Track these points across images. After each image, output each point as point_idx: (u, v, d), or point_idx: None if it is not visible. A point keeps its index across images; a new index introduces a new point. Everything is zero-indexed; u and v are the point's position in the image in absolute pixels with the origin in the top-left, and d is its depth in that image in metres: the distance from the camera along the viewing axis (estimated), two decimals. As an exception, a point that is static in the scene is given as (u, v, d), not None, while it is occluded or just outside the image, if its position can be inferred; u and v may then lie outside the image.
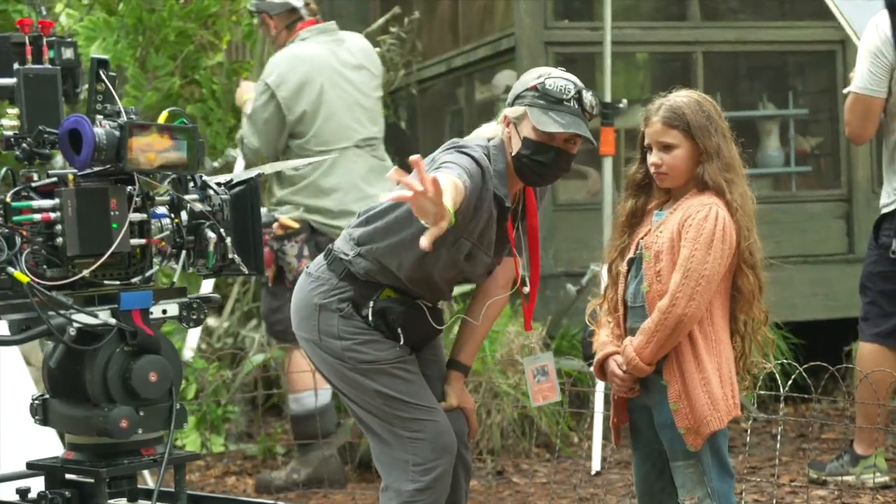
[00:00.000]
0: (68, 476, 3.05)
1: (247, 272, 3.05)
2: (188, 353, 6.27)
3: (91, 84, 2.92)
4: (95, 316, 2.86)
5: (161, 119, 2.95)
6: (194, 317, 3.00)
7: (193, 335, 6.32)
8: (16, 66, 2.93)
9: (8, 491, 3.19)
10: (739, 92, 7.51)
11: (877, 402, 4.80)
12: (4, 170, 2.86)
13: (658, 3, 7.57)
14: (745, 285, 3.39)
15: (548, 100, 3.44)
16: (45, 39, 2.98)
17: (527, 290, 3.68)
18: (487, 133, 3.58)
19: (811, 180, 7.34)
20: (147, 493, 3.12)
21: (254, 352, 6.62)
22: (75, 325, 2.84)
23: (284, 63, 5.50)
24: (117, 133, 2.80)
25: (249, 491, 5.69)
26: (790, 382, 4.55)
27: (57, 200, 2.83)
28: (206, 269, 3.02)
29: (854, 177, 7.06)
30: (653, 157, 3.43)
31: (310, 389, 5.42)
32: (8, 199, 2.80)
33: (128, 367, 2.89)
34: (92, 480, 2.95)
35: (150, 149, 2.85)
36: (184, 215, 3.00)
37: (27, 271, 2.77)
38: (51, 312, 2.81)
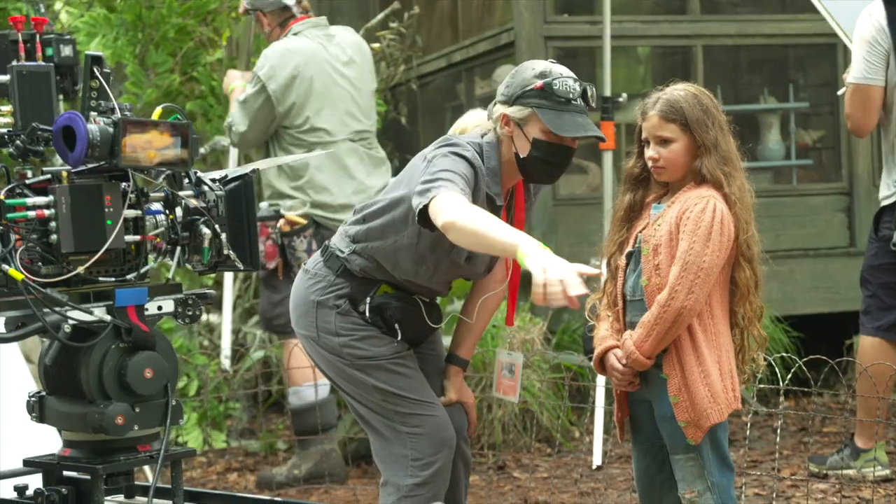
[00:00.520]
0: (65, 473, 3.05)
1: (242, 268, 3.05)
2: (225, 363, 6.27)
3: (85, 81, 2.92)
4: (90, 313, 2.86)
5: (155, 115, 2.95)
6: (189, 313, 3.00)
7: (226, 341, 6.35)
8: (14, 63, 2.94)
9: (6, 488, 3.20)
10: (740, 85, 7.50)
11: (877, 395, 4.79)
12: (-1, 167, 2.87)
13: (658, -3, 7.57)
14: (741, 279, 3.39)
15: (556, 101, 3.41)
16: (39, 37, 2.99)
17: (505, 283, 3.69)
18: (473, 122, 3.56)
19: (812, 173, 7.33)
20: (144, 490, 3.12)
21: (255, 348, 6.62)
22: (70, 321, 2.84)
23: (276, 56, 5.52)
24: (111, 130, 2.80)
25: (251, 487, 5.69)
26: (790, 376, 4.54)
27: (51, 197, 2.84)
28: (201, 265, 3.03)
29: (855, 170, 7.05)
30: (650, 152, 3.42)
31: (309, 381, 5.43)
32: (2, 197, 2.80)
33: (123, 364, 2.89)
34: (89, 477, 2.95)
35: (150, 146, 2.85)
36: (178, 211, 3.00)
37: (22, 268, 2.77)
38: (46, 309, 2.81)
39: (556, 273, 2.90)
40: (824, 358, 4.57)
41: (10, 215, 2.79)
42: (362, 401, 3.58)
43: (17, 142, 2.84)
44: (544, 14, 6.78)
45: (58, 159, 3.01)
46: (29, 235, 2.81)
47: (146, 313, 2.94)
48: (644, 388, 3.46)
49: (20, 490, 3.11)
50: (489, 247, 3.13)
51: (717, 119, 3.40)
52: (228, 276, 6.49)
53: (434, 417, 3.55)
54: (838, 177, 7.13)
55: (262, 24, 5.71)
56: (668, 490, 3.49)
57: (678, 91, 3.42)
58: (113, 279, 2.94)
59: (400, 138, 8.02)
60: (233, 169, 3.10)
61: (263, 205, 5.48)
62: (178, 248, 3.00)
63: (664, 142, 3.40)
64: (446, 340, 3.86)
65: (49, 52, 3.02)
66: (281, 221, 5.44)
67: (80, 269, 2.85)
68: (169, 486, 3.08)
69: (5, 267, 2.76)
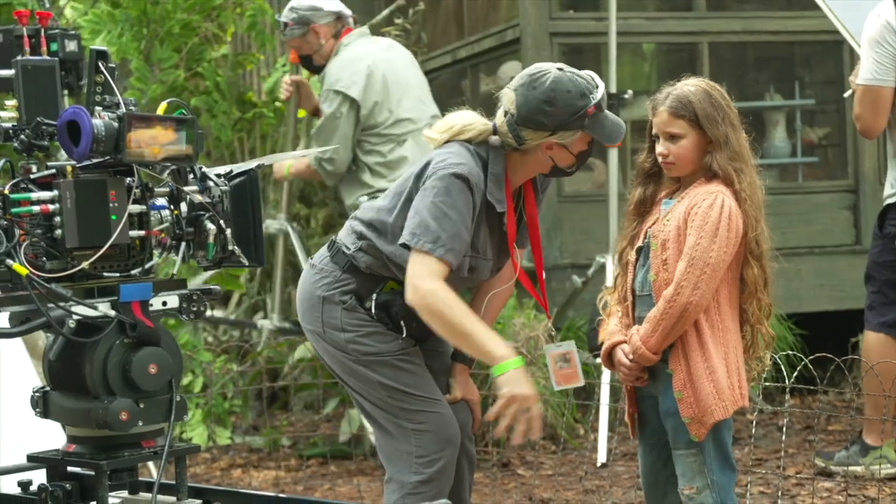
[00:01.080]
0: (69, 469, 3.04)
1: (247, 264, 3.04)
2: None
3: (90, 75, 2.91)
4: (95, 308, 2.85)
5: (160, 110, 2.94)
6: (194, 309, 2.99)
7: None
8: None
9: (9, 483, 3.19)
10: (746, 82, 7.48)
11: (882, 392, 4.78)
12: (3, 161, 2.85)
13: (664, -6, 7.55)
14: (749, 276, 3.38)
15: (600, 112, 3.39)
16: (44, 31, 2.97)
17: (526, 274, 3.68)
18: (472, 129, 3.48)
19: (818, 171, 7.32)
20: (148, 486, 3.11)
21: (262, 345, 6.61)
22: (75, 317, 2.83)
23: (345, 67, 5.57)
24: (116, 124, 2.79)
25: (255, 484, 5.69)
26: (796, 374, 4.53)
27: (56, 192, 2.82)
28: (206, 260, 3.01)
29: (861, 167, 7.04)
30: (660, 147, 3.42)
31: None
32: (6, 191, 2.79)
33: (128, 360, 2.88)
34: (93, 473, 2.94)
35: (155, 141, 2.84)
36: (183, 207, 2.99)
37: (26, 263, 2.76)
38: (50, 305, 2.80)
39: (515, 408, 3.31)
40: (830, 356, 4.55)
41: (14, 210, 2.78)
42: (367, 397, 3.57)
43: (22, 136, 2.83)
44: (550, 10, 6.77)
45: (61, 154, 3.00)
46: (33, 230, 2.80)
47: (151, 309, 2.93)
48: (651, 384, 3.45)
49: (24, 486, 3.09)
50: (468, 348, 3.39)
51: (727, 115, 3.38)
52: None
53: (439, 414, 3.54)
54: (844, 174, 7.12)
55: (317, 38, 5.69)
56: (673, 486, 3.49)
57: (689, 86, 3.41)
58: (117, 274, 2.93)
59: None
60: (237, 165, 3.08)
61: (363, 198, 5.45)
62: (183, 244, 2.99)
63: (673, 137, 3.39)
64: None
65: (54, 47, 3.01)
66: None
67: (85, 265, 2.84)
68: (173, 482, 3.07)
69: (10, 262, 2.74)
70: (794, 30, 7.19)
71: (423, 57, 7.80)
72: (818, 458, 5.16)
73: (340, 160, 5.58)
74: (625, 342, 3.44)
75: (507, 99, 3.44)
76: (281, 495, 3.32)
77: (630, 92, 5.88)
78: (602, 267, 5.92)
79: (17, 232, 2.77)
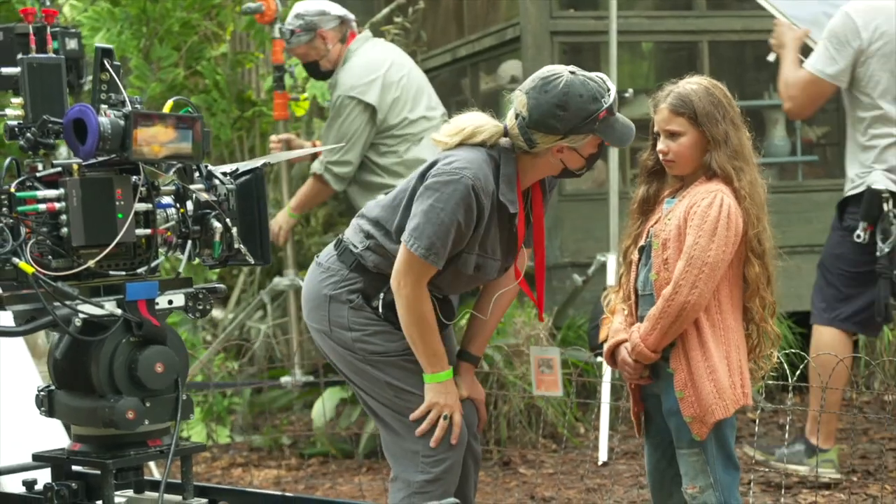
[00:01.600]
0: (74, 468, 3.04)
1: (253, 262, 3.03)
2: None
3: (95, 73, 2.90)
4: (101, 306, 2.84)
5: (166, 108, 2.93)
6: (200, 307, 2.98)
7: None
8: (19, 55, 2.91)
9: (14, 483, 3.18)
10: (745, 81, 7.48)
11: (829, 389, 4.74)
12: (9, 160, 2.84)
13: (663, -8, 7.55)
14: (750, 274, 3.37)
15: (611, 115, 3.39)
16: (49, 29, 2.97)
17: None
18: (482, 131, 3.48)
19: (817, 170, 7.32)
20: (153, 485, 3.10)
21: (258, 343, 6.60)
22: (81, 315, 2.82)
23: (357, 73, 5.60)
24: (122, 122, 2.78)
25: (256, 483, 5.68)
26: (798, 372, 4.52)
27: (62, 190, 2.81)
28: (211, 259, 3.00)
29: (861, 166, 7.01)
30: (660, 145, 3.42)
31: None
32: (13, 190, 2.78)
33: (134, 358, 2.87)
34: (98, 472, 2.94)
35: (155, 140, 2.83)
36: (189, 205, 2.98)
37: (32, 262, 2.75)
38: (56, 303, 2.79)
39: (436, 413, 3.51)
40: (833, 354, 4.55)
41: (20, 208, 2.77)
42: (374, 396, 3.57)
43: (28, 134, 2.82)
44: (550, 9, 6.77)
45: (61, 152, 2.99)
46: (39, 229, 2.79)
47: (157, 307, 2.92)
48: (654, 383, 3.45)
49: (29, 485, 3.08)
50: (415, 350, 3.52)
51: (728, 113, 3.38)
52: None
53: None
54: (843, 173, 7.09)
55: (324, 43, 5.70)
56: (679, 485, 3.49)
57: (690, 84, 3.41)
58: (123, 273, 2.92)
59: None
60: (242, 163, 3.08)
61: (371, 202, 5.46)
62: (189, 242, 2.98)
63: (673, 135, 3.39)
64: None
65: (55, 45, 3.00)
66: None
67: (91, 263, 2.83)
68: (178, 481, 3.07)
69: (16, 260, 2.73)
70: (793, 28, 7.17)
71: (422, 55, 7.80)
72: (758, 451, 5.10)
73: (352, 163, 5.59)
74: (628, 340, 3.44)
75: (519, 102, 3.42)
76: (288, 494, 3.31)
77: (630, 91, 5.89)
78: (602, 266, 5.92)
79: (23, 230, 2.76)
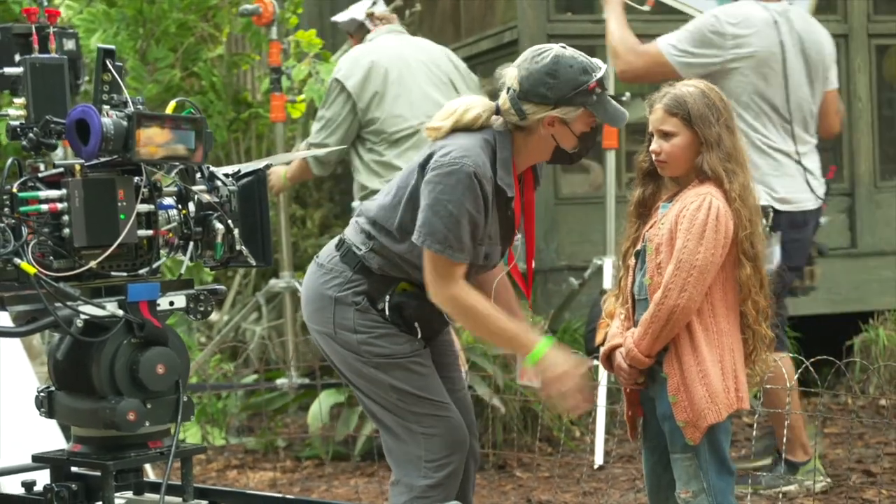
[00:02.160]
0: (74, 469, 3.03)
1: (254, 264, 3.03)
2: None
3: (97, 74, 2.90)
4: (103, 307, 2.84)
5: (169, 109, 2.93)
6: (201, 309, 2.99)
7: None
8: (17, 56, 2.91)
9: (13, 484, 3.17)
10: (742, 85, 7.48)
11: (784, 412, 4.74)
12: (11, 160, 2.84)
13: (661, -4, 7.54)
14: (742, 277, 3.36)
15: (602, 94, 3.39)
16: (51, 28, 2.96)
17: (523, 265, 3.65)
18: (474, 109, 3.45)
19: (813, 174, 7.31)
20: (153, 486, 3.10)
21: (254, 345, 6.59)
22: (82, 316, 2.82)
23: (350, 59, 5.62)
24: (125, 123, 2.78)
25: (251, 485, 5.67)
26: (796, 377, 4.53)
27: (64, 191, 2.81)
28: (213, 260, 3.01)
29: (856, 170, 7.05)
30: (653, 145, 3.42)
31: None
32: (15, 190, 2.78)
33: (135, 360, 2.87)
34: (98, 473, 2.93)
35: (151, 141, 2.83)
36: (191, 206, 2.98)
37: (34, 262, 2.75)
38: (57, 304, 2.79)
39: (556, 392, 3.40)
40: (831, 359, 4.55)
41: (22, 209, 2.77)
42: (377, 399, 3.54)
43: (31, 135, 2.82)
44: (547, 12, 6.77)
45: (59, 154, 2.99)
46: (41, 229, 2.79)
47: (158, 309, 2.92)
48: (650, 387, 3.45)
49: (28, 486, 3.08)
50: (498, 345, 3.53)
51: (723, 116, 3.38)
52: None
53: (449, 419, 3.51)
54: (839, 177, 7.12)
55: (353, 45, 5.81)
56: (675, 489, 3.48)
57: (687, 87, 3.42)
58: (125, 274, 2.92)
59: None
60: (246, 164, 3.08)
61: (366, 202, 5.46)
62: (191, 244, 2.98)
63: (666, 135, 3.39)
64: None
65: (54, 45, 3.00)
66: None
67: (93, 264, 2.83)
68: (177, 483, 3.06)
69: (17, 261, 2.73)
70: (789, 33, 7.18)
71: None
72: (752, 485, 5.04)
73: (330, 147, 5.58)
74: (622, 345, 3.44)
75: (510, 76, 3.42)
76: (288, 497, 3.31)
77: (627, 94, 5.88)
78: (599, 269, 5.92)
79: (25, 231, 2.76)
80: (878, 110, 7.16)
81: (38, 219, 2.79)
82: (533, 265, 3.66)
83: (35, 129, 2.83)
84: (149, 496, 3.08)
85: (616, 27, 5.07)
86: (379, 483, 5.27)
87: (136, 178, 2.90)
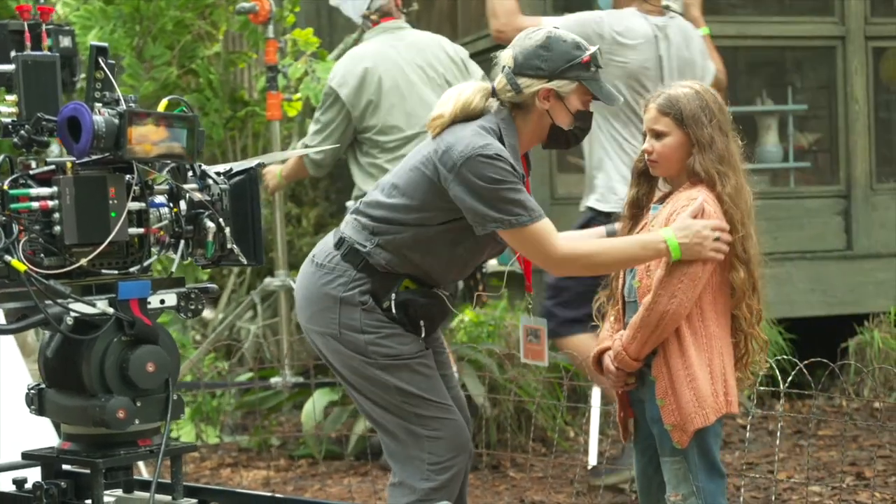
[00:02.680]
0: (64, 466, 3.03)
1: (245, 262, 3.02)
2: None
3: (90, 71, 2.90)
4: (93, 305, 2.83)
5: (161, 107, 2.93)
6: (192, 307, 2.98)
7: None
8: (13, 53, 2.91)
9: (4, 481, 3.17)
10: (739, 87, 7.48)
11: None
12: (2, 157, 2.84)
13: (658, -3, 7.54)
14: (735, 280, 3.35)
15: (595, 71, 3.42)
16: (45, 26, 2.96)
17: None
18: (469, 91, 3.46)
19: (809, 176, 7.33)
20: (143, 484, 3.10)
21: (248, 344, 6.59)
22: (72, 314, 2.81)
23: (343, 65, 5.61)
24: (116, 121, 2.78)
25: (245, 483, 5.67)
26: (790, 379, 4.53)
27: (55, 188, 2.81)
28: (204, 259, 3.00)
29: (852, 172, 7.04)
30: (646, 144, 3.42)
31: None
32: (6, 187, 2.77)
33: (125, 358, 2.87)
34: (88, 471, 2.93)
35: (146, 139, 2.82)
36: (183, 205, 2.98)
37: (24, 259, 2.75)
38: (48, 301, 2.78)
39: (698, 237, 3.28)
40: (825, 361, 4.55)
41: (13, 206, 2.77)
42: (379, 401, 3.50)
43: (22, 132, 2.82)
44: (544, 12, 6.75)
45: (54, 150, 2.99)
46: (32, 226, 2.79)
47: (149, 307, 2.92)
48: (640, 389, 3.44)
49: (19, 483, 3.07)
50: (636, 262, 3.38)
51: (716, 118, 3.37)
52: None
53: (453, 421, 3.50)
54: (835, 179, 7.13)
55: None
56: (664, 491, 3.48)
57: (682, 87, 3.42)
58: (116, 272, 2.92)
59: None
60: (237, 163, 3.07)
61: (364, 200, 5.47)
62: (182, 242, 2.98)
63: (659, 135, 3.39)
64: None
65: (48, 42, 2.99)
66: None
67: (83, 262, 2.83)
68: (167, 481, 3.06)
69: (8, 258, 2.73)
70: (787, 35, 7.20)
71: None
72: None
73: (326, 162, 5.63)
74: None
75: (505, 56, 3.46)
76: (278, 495, 3.30)
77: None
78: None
79: (16, 228, 2.76)
80: (875, 112, 7.16)
81: (28, 216, 2.78)
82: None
83: (27, 126, 2.82)
84: (138, 494, 3.08)
85: None
86: (372, 482, 5.27)
87: (128, 176, 2.89)
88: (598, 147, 5.09)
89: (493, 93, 3.46)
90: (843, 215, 7.00)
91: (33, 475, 3.06)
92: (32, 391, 3.02)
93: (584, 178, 5.33)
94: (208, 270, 6.24)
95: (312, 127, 5.63)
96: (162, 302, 2.95)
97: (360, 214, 3.53)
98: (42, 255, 2.81)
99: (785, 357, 4.87)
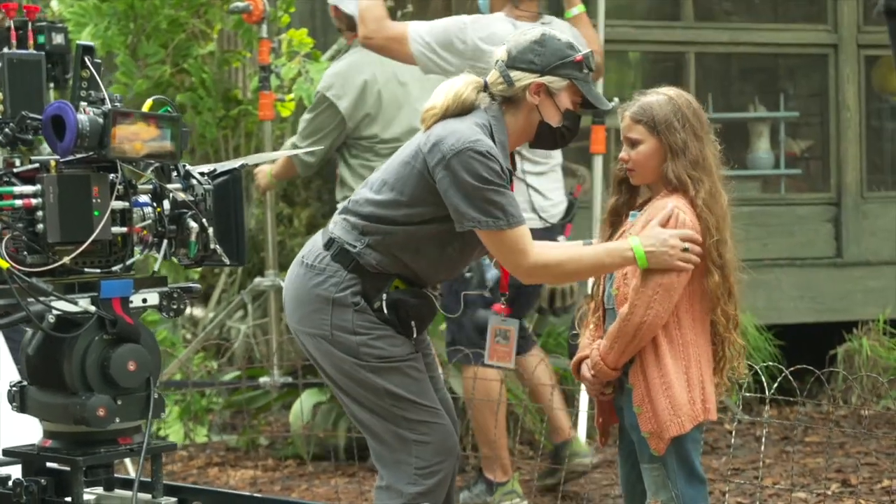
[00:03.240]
0: (47, 464, 3.03)
1: (228, 263, 3.03)
2: None
3: (76, 70, 2.90)
4: (75, 303, 2.84)
5: (146, 107, 2.94)
6: (174, 306, 2.99)
7: None
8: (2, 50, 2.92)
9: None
10: (731, 93, 7.50)
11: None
12: (-14, 155, 2.85)
13: (652, 3, 7.55)
14: (710, 285, 3.34)
15: (586, 73, 3.45)
16: (31, 24, 2.97)
17: None
18: (460, 84, 3.48)
19: (800, 183, 7.34)
20: (123, 483, 3.10)
21: (238, 343, 6.60)
22: (54, 312, 2.82)
23: (340, 74, 5.62)
24: (101, 120, 2.79)
25: (232, 483, 5.68)
26: (777, 385, 4.53)
27: (38, 187, 2.82)
28: (187, 258, 3.01)
29: (843, 180, 7.06)
30: (622, 153, 3.43)
31: None
32: (-11, 185, 2.78)
33: (106, 356, 2.87)
34: (69, 469, 2.94)
35: (137, 137, 2.83)
36: (166, 204, 2.98)
37: (7, 257, 2.75)
38: (30, 299, 2.79)
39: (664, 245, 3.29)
40: (811, 368, 4.56)
41: (-4, 203, 2.78)
42: (368, 404, 3.49)
43: (6, 130, 2.82)
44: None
45: (43, 147, 2.99)
46: (15, 224, 2.80)
47: (131, 306, 2.93)
48: (619, 396, 3.45)
49: (2, 481, 3.08)
50: (605, 271, 3.43)
51: (689, 123, 3.36)
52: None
53: (441, 426, 3.49)
54: (826, 187, 7.14)
55: (349, 40, 5.82)
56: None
57: (656, 95, 3.41)
58: (98, 270, 2.92)
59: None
60: (222, 164, 3.08)
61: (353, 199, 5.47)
62: (165, 241, 2.98)
63: (633, 143, 3.40)
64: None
65: (41, 39, 3.00)
66: None
67: (66, 260, 2.84)
68: (148, 479, 3.06)
69: (-10, 255, 2.74)
70: (780, 42, 7.21)
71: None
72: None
73: (317, 164, 5.67)
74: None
75: (499, 51, 3.51)
76: (257, 495, 3.31)
77: (616, 100, 5.86)
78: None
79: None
80: (867, 120, 7.18)
81: (12, 214, 2.79)
82: None
83: (11, 124, 2.83)
84: (119, 492, 3.08)
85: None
86: (359, 483, 5.28)
87: (112, 175, 2.90)
88: None
89: (485, 87, 3.48)
90: (833, 223, 7.02)
91: (14, 472, 3.06)
92: (14, 388, 3.03)
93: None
94: (199, 269, 6.27)
95: (303, 128, 5.64)
96: (144, 301, 2.95)
97: (349, 214, 3.52)
98: (25, 252, 2.82)
99: (773, 364, 4.87)
